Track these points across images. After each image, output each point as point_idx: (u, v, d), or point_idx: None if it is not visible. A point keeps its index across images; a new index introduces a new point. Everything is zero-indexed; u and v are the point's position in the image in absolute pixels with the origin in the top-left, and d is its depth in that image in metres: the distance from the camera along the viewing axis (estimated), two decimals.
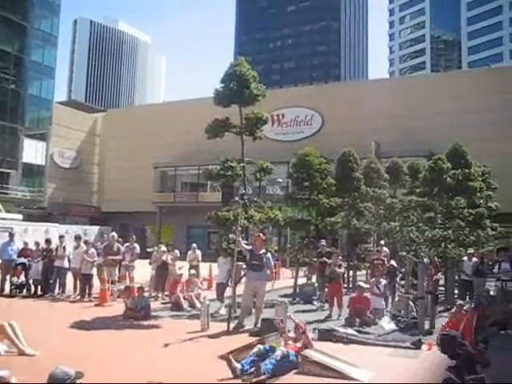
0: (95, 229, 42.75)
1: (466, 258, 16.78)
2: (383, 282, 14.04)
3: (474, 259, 16.71)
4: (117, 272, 17.20)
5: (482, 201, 19.51)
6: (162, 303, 15.35)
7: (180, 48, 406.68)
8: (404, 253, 16.85)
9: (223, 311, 13.35)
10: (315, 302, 16.02)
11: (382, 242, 20.04)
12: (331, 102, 43.66)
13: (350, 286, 19.51)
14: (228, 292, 14.18)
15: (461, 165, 18.41)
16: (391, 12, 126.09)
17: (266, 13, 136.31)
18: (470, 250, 16.96)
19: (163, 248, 17.49)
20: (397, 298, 13.84)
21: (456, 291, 17.08)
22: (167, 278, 16.83)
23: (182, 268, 17.36)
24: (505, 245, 24.43)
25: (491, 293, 14.35)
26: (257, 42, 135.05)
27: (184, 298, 14.51)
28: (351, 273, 20.34)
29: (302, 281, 18.72)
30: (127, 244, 17.65)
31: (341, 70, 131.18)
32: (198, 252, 19.61)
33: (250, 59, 15.97)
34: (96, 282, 16.45)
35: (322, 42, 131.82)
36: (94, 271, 16.62)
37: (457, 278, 17.47)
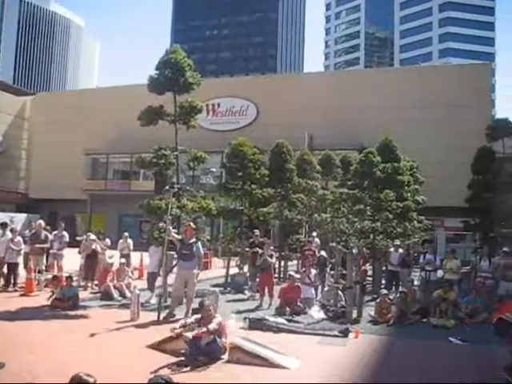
0: (22, 216, 41.17)
1: (392, 249, 17.30)
2: (313, 271, 14.30)
3: (401, 250, 17.27)
4: (44, 261, 16.68)
5: (409, 194, 20.14)
6: (92, 293, 15.03)
7: (115, 33, 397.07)
8: (334, 244, 17.23)
9: (154, 301, 13.22)
10: (246, 292, 16.13)
11: (315, 234, 20.37)
12: (267, 94, 43.80)
13: (281, 275, 19.74)
14: (159, 281, 14.06)
15: (390, 159, 18.96)
16: (328, 6, 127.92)
17: (203, 1, 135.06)
18: (397, 242, 17.50)
19: (92, 236, 17.12)
20: (326, 288, 14.13)
21: (383, 281, 17.61)
22: (97, 267, 16.52)
23: (113, 257, 17.03)
24: (429, 237, 25.49)
25: (415, 282, 14.92)
26: (193, 31, 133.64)
27: (114, 288, 14.28)
28: (282, 263, 20.57)
29: (233, 270, 18.79)
30: (55, 232, 17.13)
31: (277, 62, 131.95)
32: (130, 241, 19.31)
33: (186, 47, 15.82)
34: (22, 271, 15.91)
35: (259, 34, 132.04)
36: (20, 260, 16.05)
37: (384, 268, 18.01)
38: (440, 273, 15.23)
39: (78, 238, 18.51)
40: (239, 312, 12.29)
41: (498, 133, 25.46)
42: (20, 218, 40.28)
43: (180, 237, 11.71)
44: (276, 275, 17.83)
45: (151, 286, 14.22)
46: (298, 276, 14.66)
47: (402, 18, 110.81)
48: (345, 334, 10.16)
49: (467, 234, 32.02)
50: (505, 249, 15.74)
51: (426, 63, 79.28)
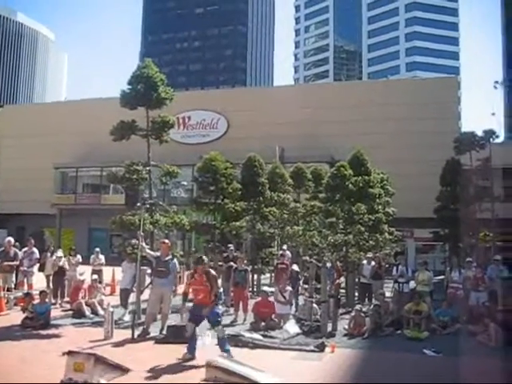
0: None
1: (365, 262, 17.45)
2: (289, 289, 14.18)
3: (373, 263, 17.42)
4: (13, 279, 16.33)
5: (380, 206, 20.38)
6: (63, 310, 14.75)
7: (84, 46, 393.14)
8: (307, 257, 17.33)
9: (127, 318, 13.05)
10: (220, 307, 15.99)
11: (285, 247, 20.41)
12: (237, 107, 43.96)
13: (255, 289, 19.71)
14: (132, 298, 13.90)
15: (361, 172, 19.17)
16: (297, 20, 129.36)
17: (173, 14, 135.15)
18: (369, 254, 17.65)
19: (60, 253, 16.89)
20: (302, 302, 14.13)
21: (356, 294, 17.72)
22: (65, 284, 16.28)
23: (84, 273, 16.80)
24: (400, 248, 25.76)
25: (387, 294, 15.05)
26: (163, 43, 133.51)
27: (86, 305, 14.05)
28: (256, 277, 20.55)
29: None
30: (25, 249, 16.82)
31: (247, 75, 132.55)
32: (102, 256, 19.06)
33: (156, 60, 15.88)
34: None
35: (229, 46, 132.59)
36: None
37: (356, 280, 18.13)
38: (412, 284, 15.40)
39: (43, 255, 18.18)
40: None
41: (465, 146, 25.90)
42: None
43: (156, 254, 11.62)
44: (250, 289, 17.78)
45: (124, 303, 14.02)
46: (271, 290, 14.68)
47: (370, 31, 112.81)
48: (321, 348, 10.19)
49: (437, 245, 32.50)
50: (468, 259, 16.08)
51: (393, 76, 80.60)
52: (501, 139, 39.61)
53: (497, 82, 34.52)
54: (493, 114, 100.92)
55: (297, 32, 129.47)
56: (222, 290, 16.85)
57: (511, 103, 59.51)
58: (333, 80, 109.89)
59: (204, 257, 10.15)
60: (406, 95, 40.35)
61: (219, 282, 17.99)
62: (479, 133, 26.26)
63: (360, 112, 40.26)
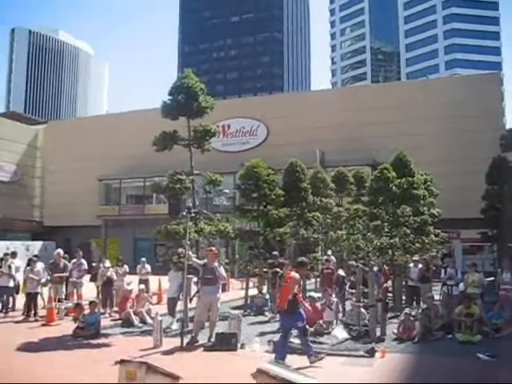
0: (38, 244, 41.44)
1: (411, 265, 17.18)
2: (334, 300, 14.07)
3: (420, 265, 17.11)
4: (64, 290, 16.73)
5: (425, 208, 20.04)
6: (112, 320, 15.00)
7: (123, 59, 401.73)
8: (353, 262, 17.14)
9: (175, 326, 13.18)
10: (267, 313, 16.04)
11: (330, 252, 20.26)
12: (276, 113, 43.95)
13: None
14: (179, 306, 14.02)
15: (405, 173, 18.87)
16: (332, 24, 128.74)
17: (209, 23, 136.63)
18: (415, 257, 17.36)
19: (108, 264, 17.19)
20: (349, 307, 14.00)
21: (403, 297, 17.45)
22: (113, 294, 16.56)
23: (131, 283, 17.05)
24: (446, 250, 25.26)
25: (436, 297, 14.76)
26: (200, 53, 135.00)
27: (134, 314, 14.25)
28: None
29: (251, 292, 18.72)
30: (74, 260, 17.21)
31: (284, 81, 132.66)
32: (148, 266, 19.33)
33: (194, 69, 15.96)
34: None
35: (266, 53, 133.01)
36: (40, 289, 16.12)
37: (404, 284, 17.85)
38: (462, 286, 15.06)
39: (93, 265, 18.58)
40: (262, 334, 12.22)
41: None
42: (36, 245, 40.52)
43: (202, 262, 11.72)
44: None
45: (172, 312, 14.16)
46: (318, 295, 14.59)
47: (407, 31, 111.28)
48: (371, 353, 10.06)
49: (485, 246, 31.74)
50: None
51: (433, 75, 79.34)
52: None
53: None
54: None
55: (332, 35, 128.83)
56: (267, 296, 16.95)
57: None
58: (371, 82, 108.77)
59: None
60: (446, 94, 39.56)
61: (265, 288, 18.11)
62: None
63: (400, 113, 39.71)
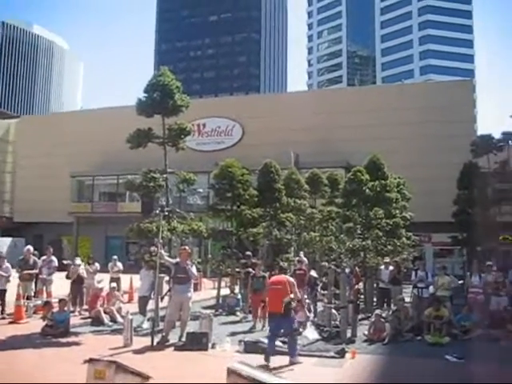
0: (7, 240, 40.79)
1: (382, 267, 17.34)
2: (306, 301, 14.18)
3: (391, 267, 17.29)
4: (33, 287, 16.46)
5: (397, 211, 20.24)
6: (82, 318, 14.81)
7: (99, 55, 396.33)
8: (325, 263, 17.24)
9: (146, 325, 13.09)
10: (238, 313, 16.03)
11: (302, 254, 20.31)
12: (252, 113, 44.02)
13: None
14: (150, 305, 13.92)
15: (378, 176, 19.06)
16: (310, 26, 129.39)
17: (186, 22, 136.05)
18: (386, 259, 17.53)
19: (78, 261, 16.98)
20: (321, 308, 14.06)
21: (374, 299, 17.59)
22: (84, 292, 16.36)
23: (102, 281, 16.86)
24: (418, 253, 25.58)
25: (406, 299, 14.92)
26: (177, 51, 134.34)
27: (105, 313, 14.10)
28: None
29: (223, 291, 18.70)
30: (44, 257, 16.94)
31: (260, 82, 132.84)
32: (119, 264, 19.14)
33: (171, 68, 15.86)
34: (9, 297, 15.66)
35: (243, 53, 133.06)
36: (8, 287, 15.79)
37: (375, 286, 18.00)
38: (431, 289, 15.25)
39: (64, 262, 18.31)
40: (233, 334, 12.21)
41: (483, 148, 25.76)
42: (5, 241, 39.88)
43: (175, 261, 11.65)
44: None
45: (143, 310, 14.05)
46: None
47: (383, 36, 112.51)
48: (341, 354, 10.11)
49: (455, 249, 32.24)
50: (488, 263, 15.90)
51: (408, 80, 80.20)
52: None
53: None
54: (511, 116, 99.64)
55: (310, 38, 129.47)
56: (239, 296, 16.94)
57: None
58: (346, 85, 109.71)
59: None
60: (420, 99, 40.09)
61: (237, 288, 18.10)
62: (496, 135, 26.09)
63: (375, 117, 40.09)
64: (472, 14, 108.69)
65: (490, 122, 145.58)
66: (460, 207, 25.39)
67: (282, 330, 10.17)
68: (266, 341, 10.69)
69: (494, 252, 23.74)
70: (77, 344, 11.32)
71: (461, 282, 16.32)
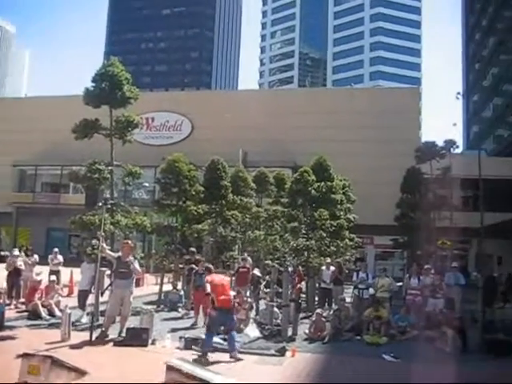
0: None
1: (324, 268, 17.58)
2: (248, 299, 14.23)
3: (332, 268, 17.54)
4: None
5: (342, 213, 20.57)
6: (18, 312, 14.34)
7: (47, 42, 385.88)
8: (269, 262, 17.33)
9: (85, 320, 12.80)
10: (180, 310, 15.92)
11: (245, 254, 20.34)
12: (202, 110, 43.80)
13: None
14: (90, 299, 13.64)
15: (324, 178, 19.32)
16: (263, 26, 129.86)
17: (139, 14, 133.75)
18: (328, 260, 17.76)
19: (16, 252, 16.48)
20: (263, 307, 14.12)
21: (316, 298, 17.81)
22: (21, 285, 15.88)
23: (41, 273, 16.40)
24: (360, 254, 26.07)
25: (347, 300, 15.17)
26: (128, 43, 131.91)
27: (43, 306, 13.71)
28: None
29: (166, 287, 18.54)
30: None
31: (212, 78, 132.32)
32: (60, 257, 18.67)
33: (121, 59, 15.58)
34: None
35: (195, 49, 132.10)
36: None
37: (317, 285, 18.22)
38: (372, 290, 15.56)
39: (2, 253, 17.76)
40: (174, 330, 12.11)
41: (426, 155, 26.45)
42: None
43: (117, 255, 11.44)
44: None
45: (82, 305, 13.75)
46: (233, 293, 14.60)
47: (336, 40, 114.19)
48: (281, 352, 10.18)
49: (396, 252, 33.01)
50: (427, 266, 16.36)
51: (357, 85, 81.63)
52: (460, 149, 40.66)
53: (459, 93, 35.18)
54: (454, 124, 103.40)
55: (263, 37, 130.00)
56: (182, 292, 16.83)
57: (471, 114, 60.99)
58: (297, 86, 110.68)
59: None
60: (369, 104, 40.90)
61: (179, 284, 17.96)
62: (440, 143, 26.84)
63: (324, 119, 40.61)
64: (421, 24, 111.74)
65: (433, 129, 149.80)
66: (402, 211, 26.02)
67: (223, 328, 10.21)
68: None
69: (433, 255, 24.40)
70: (11, 338, 10.93)
71: (400, 283, 16.71)
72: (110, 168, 14.24)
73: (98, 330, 11.09)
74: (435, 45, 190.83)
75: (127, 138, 14.77)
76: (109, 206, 13.39)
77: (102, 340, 10.69)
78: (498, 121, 48.19)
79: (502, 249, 35.00)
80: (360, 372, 9.42)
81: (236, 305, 13.33)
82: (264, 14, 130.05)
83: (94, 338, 10.68)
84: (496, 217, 28.96)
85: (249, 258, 19.09)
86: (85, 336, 10.79)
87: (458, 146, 28.33)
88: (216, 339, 10.92)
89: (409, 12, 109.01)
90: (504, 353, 11.03)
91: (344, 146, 38.18)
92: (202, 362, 8.95)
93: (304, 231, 17.69)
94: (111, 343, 10.55)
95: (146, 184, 35.78)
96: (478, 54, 57.11)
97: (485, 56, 53.85)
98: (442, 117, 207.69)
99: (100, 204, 12.95)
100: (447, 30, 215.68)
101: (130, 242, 11.96)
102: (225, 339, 11.18)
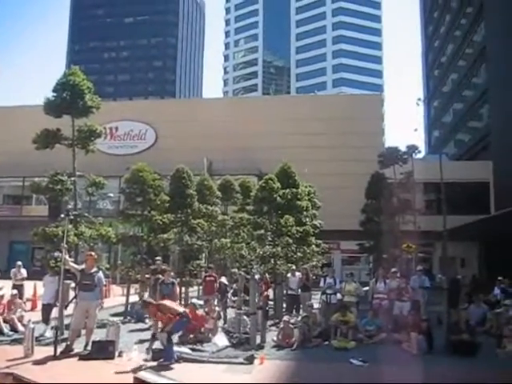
0: None
1: (290, 275, 17.63)
2: (217, 308, 14.19)
3: (298, 274, 17.57)
4: None
5: (308, 219, 20.67)
6: None
7: (6, 51, 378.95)
8: (236, 269, 17.29)
9: (49, 334, 12.51)
10: (147, 320, 15.71)
11: (212, 265, 20.29)
12: (166, 118, 43.56)
13: (183, 302, 19.46)
14: (54, 313, 13.34)
15: (289, 184, 19.41)
16: (227, 34, 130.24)
17: (101, 22, 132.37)
18: (293, 267, 17.81)
19: None
20: (232, 315, 14.06)
21: (284, 305, 17.81)
22: None
23: (3, 288, 15.99)
24: (327, 260, 26.20)
25: (315, 305, 15.22)
26: (91, 52, 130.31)
27: (4, 321, 13.35)
28: (183, 289, 20.30)
29: (133, 298, 18.31)
30: None
31: (176, 87, 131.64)
32: (23, 270, 18.27)
33: (83, 68, 15.44)
34: None
35: (159, 57, 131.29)
36: None
37: (284, 292, 18.24)
38: (339, 296, 15.65)
39: None
40: (142, 342, 11.95)
41: (389, 160, 26.79)
42: None
43: (80, 267, 11.23)
44: (177, 302, 17.53)
45: (46, 319, 13.45)
46: (200, 302, 14.53)
47: (298, 48, 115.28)
48: (250, 360, 10.14)
49: (362, 256, 33.32)
50: (393, 270, 16.55)
51: (320, 92, 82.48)
52: (422, 154, 41.39)
53: (419, 99, 35.84)
54: (415, 130, 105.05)
55: (226, 46, 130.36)
56: None
57: (432, 119, 62.13)
58: (261, 94, 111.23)
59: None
60: (333, 110, 41.34)
61: (146, 294, 17.74)
62: (403, 148, 27.21)
63: (289, 126, 40.84)
64: (382, 32, 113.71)
65: (397, 135, 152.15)
66: (367, 216, 26.26)
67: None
68: (175, 348, 10.53)
69: (398, 259, 24.70)
70: None
71: (366, 288, 16.85)
72: (72, 179, 14.04)
73: (63, 345, 10.84)
74: (396, 52, 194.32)
75: (90, 148, 14.62)
76: (72, 217, 13.19)
77: (66, 354, 10.46)
78: (458, 125, 49.19)
79: (465, 251, 35.73)
80: (328, 377, 9.44)
81: (204, 314, 13.36)
82: (227, 22, 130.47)
83: (58, 353, 10.42)
84: (458, 220, 29.50)
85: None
86: (49, 351, 10.53)
87: (420, 151, 28.75)
88: (184, 349, 10.85)
89: (370, 20, 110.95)
90: (469, 353, 11.23)
91: (309, 152, 38.45)
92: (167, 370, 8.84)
93: (270, 238, 17.72)
94: (76, 357, 10.32)
95: (111, 194, 35.38)
96: (438, 60, 58.28)
97: (444, 63, 54.98)
98: (405, 122, 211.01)
99: (62, 215, 12.73)
100: (407, 37, 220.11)
101: (93, 253, 11.75)
102: (193, 349, 11.13)
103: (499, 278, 19.54)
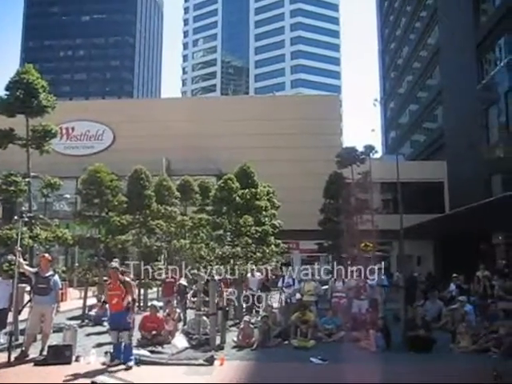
0: None
1: (249, 275, 17.64)
2: (177, 310, 14.11)
3: (258, 274, 17.61)
4: None
5: (267, 219, 20.72)
6: None
7: None
8: (195, 270, 17.19)
9: (3, 339, 12.18)
10: (105, 323, 15.46)
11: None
12: (124, 118, 42.93)
13: (141, 304, 19.27)
14: (9, 318, 12.98)
15: (248, 185, 19.42)
16: (185, 34, 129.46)
17: (57, 20, 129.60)
18: (252, 267, 17.82)
19: None
20: (191, 316, 13.96)
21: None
22: None
23: None
24: (286, 260, 26.31)
25: (275, 305, 15.27)
26: (46, 50, 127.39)
27: None
28: (142, 291, 20.09)
29: (91, 301, 18.01)
30: None
31: (134, 87, 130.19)
32: None
33: (38, 67, 15.08)
34: None
35: (116, 57, 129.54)
36: None
37: (244, 292, 18.21)
38: (298, 295, 15.73)
39: None
40: (100, 345, 11.76)
41: (347, 160, 27.03)
42: None
43: (35, 270, 10.96)
44: (136, 304, 17.32)
45: (1, 324, 13.07)
46: (160, 304, 14.40)
47: (257, 48, 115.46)
48: (210, 362, 10.09)
49: (321, 256, 33.58)
50: (351, 268, 16.75)
51: (279, 92, 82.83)
52: (379, 154, 42.05)
53: (376, 100, 36.39)
54: (372, 130, 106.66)
55: (185, 45, 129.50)
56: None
57: (389, 120, 63.20)
58: (220, 94, 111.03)
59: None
60: (292, 111, 41.54)
61: (103, 297, 17.47)
62: (360, 148, 27.51)
63: (248, 126, 40.84)
64: (339, 34, 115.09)
65: (355, 135, 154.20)
66: (326, 216, 26.47)
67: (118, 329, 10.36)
68: (133, 351, 10.39)
69: (357, 258, 24.96)
70: None
71: (325, 287, 16.99)
72: (27, 180, 13.72)
73: (18, 350, 10.58)
74: (354, 53, 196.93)
75: (45, 148, 14.32)
76: (26, 219, 12.87)
77: (21, 360, 10.18)
78: (413, 126, 50.17)
79: (421, 249, 36.43)
80: (289, 377, 9.48)
81: (165, 316, 13.24)
82: (186, 22, 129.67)
83: (12, 359, 10.14)
84: (414, 218, 30.07)
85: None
86: (3, 357, 10.25)
87: (376, 151, 29.14)
88: (143, 352, 10.73)
89: (328, 22, 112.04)
90: (425, 348, 11.47)
91: (268, 152, 38.54)
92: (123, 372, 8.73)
93: (229, 238, 17.73)
94: (32, 363, 10.07)
95: (67, 195, 34.77)
96: (394, 62, 59.36)
97: (400, 64, 56.02)
98: (363, 123, 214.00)
99: (16, 217, 12.42)
100: (365, 39, 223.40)
101: (46, 254, 11.47)
102: (152, 351, 11.01)
103: (454, 274, 20.01)
